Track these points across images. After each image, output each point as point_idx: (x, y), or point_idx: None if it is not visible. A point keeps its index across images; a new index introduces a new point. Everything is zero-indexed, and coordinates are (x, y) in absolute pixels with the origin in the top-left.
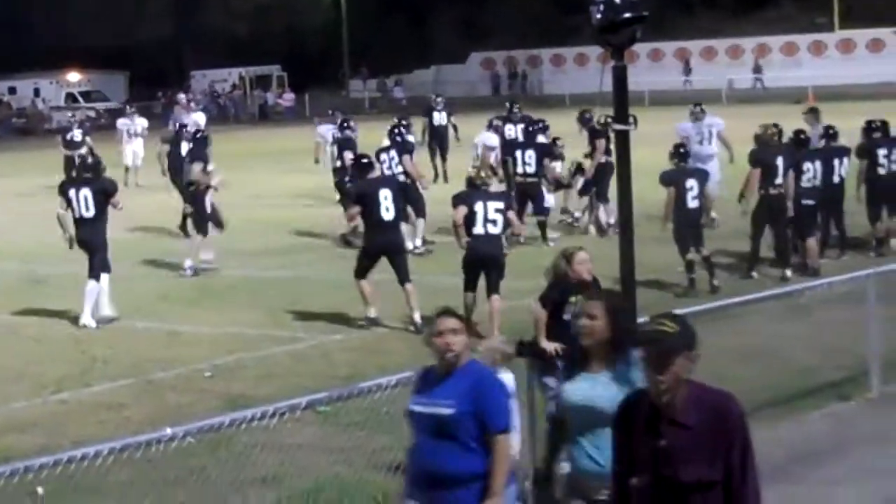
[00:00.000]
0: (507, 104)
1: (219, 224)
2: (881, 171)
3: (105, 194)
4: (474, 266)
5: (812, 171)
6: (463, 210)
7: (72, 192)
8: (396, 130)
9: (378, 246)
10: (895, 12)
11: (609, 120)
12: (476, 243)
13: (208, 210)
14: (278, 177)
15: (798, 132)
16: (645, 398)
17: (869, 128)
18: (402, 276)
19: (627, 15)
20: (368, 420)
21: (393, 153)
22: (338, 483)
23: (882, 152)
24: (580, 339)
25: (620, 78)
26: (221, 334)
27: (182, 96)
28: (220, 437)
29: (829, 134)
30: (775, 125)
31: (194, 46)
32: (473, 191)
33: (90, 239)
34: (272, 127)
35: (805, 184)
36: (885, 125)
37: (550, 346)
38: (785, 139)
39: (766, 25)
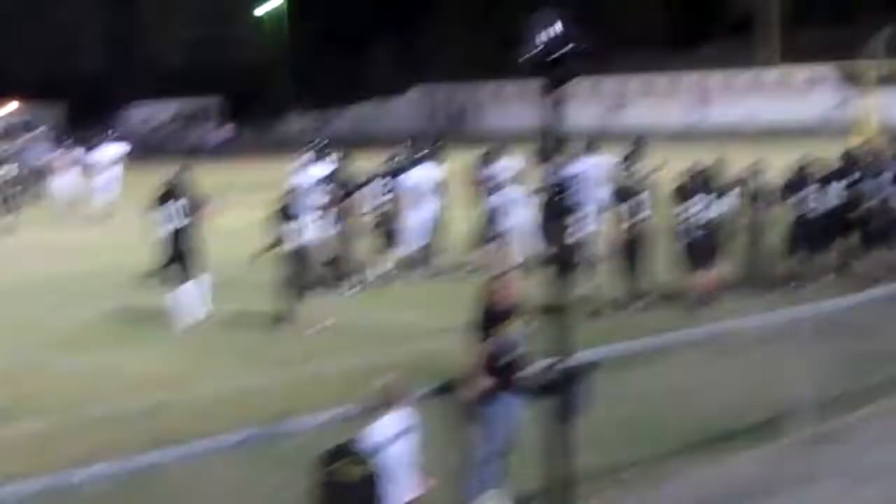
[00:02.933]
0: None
1: None
2: (809, 208)
3: (195, 207)
4: (303, 269)
5: (700, 205)
6: (291, 225)
7: (166, 205)
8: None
9: None
10: (833, 50)
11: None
12: (303, 249)
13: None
14: None
15: (693, 166)
16: None
17: (798, 167)
18: None
19: (566, 49)
20: (296, 459)
21: (386, 181)
22: None
23: (811, 189)
24: None
25: (559, 112)
26: (153, 371)
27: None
28: (146, 476)
29: (717, 167)
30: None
31: (131, 78)
32: (295, 203)
33: (187, 248)
34: (209, 161)
35: (692, 217)
36: (817, 162)
37: (482, 385)
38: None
39: (704, 61)
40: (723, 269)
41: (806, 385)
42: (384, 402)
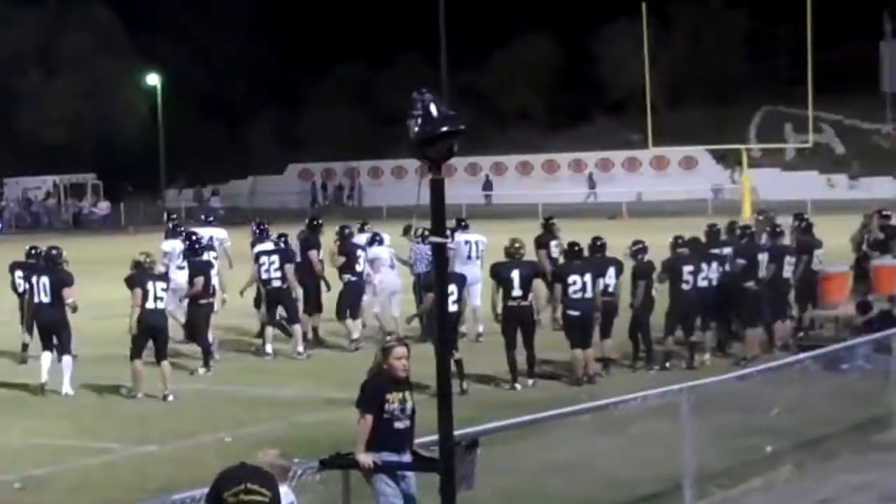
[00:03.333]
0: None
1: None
2: (685, 286)
3: (62, 284)
4: (145, 335)
5: (579, 283)
6: (139, 292)
7: (33, 279)
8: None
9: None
10: (707, 131)
11: (426, 233)
12: (147, 316)
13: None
14: (93, 286)
15: (571, 244)
16: None
17: (675, 243)
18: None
19: (445, 129)
20: None
21: (275, 258)
22: None
23: (687, 268)
24: None
25: (438, 191)
26: (32, 445)
27: None
28: None
29: (598, 245)
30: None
31: (8, 152)
32: (142, 272)
33: (51, 322)
34: (87, 235)
35: (573, 295)
36: (693, 241)
37: (367, 459)
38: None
39: (581, 141)
40: (606, 345)
41: (687, 460)
42: None
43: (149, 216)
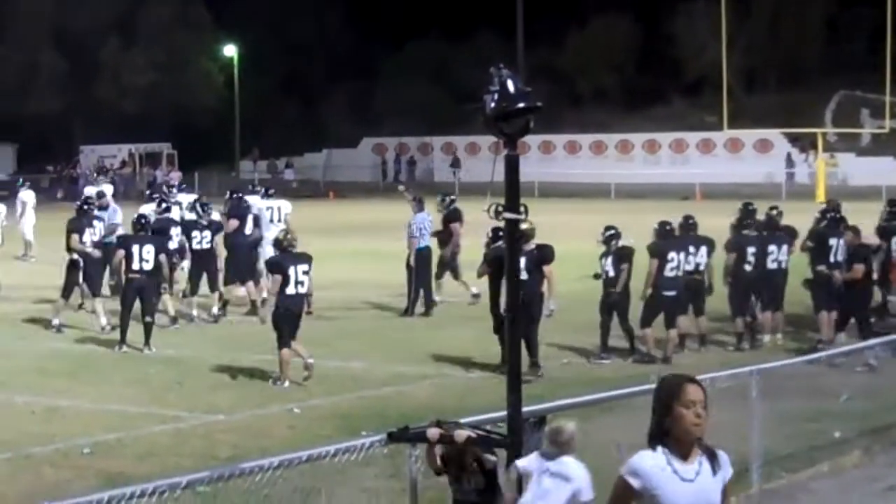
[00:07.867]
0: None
1: None
2: (748, 267)
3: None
4: (288, 322)
5: (676, 260)
6: (278, 278)
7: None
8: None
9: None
10: (782, 114)
11: (500, 209)
12: (289, 302)
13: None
14: None
15: (662, 223)
16: None
17: (739, 224)
18: None
19: (522, 104)
20: (248, 502)
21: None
22: None
23: (751, 249)
24: None
25: (513, 167)
26: (102, 410)
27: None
28: None
29: (689, 224)
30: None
31: (85, 121)
32: (285, 255)
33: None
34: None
35: (668, 273)
36: (764, 214)
37: (435, 433)
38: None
39: (655, 122)
40: (701, 322)
41: (755, 443)
42: (552, 443)
43: (222, 187)
